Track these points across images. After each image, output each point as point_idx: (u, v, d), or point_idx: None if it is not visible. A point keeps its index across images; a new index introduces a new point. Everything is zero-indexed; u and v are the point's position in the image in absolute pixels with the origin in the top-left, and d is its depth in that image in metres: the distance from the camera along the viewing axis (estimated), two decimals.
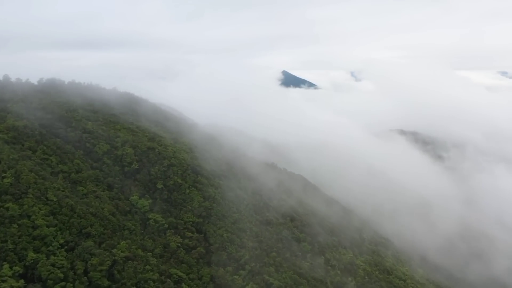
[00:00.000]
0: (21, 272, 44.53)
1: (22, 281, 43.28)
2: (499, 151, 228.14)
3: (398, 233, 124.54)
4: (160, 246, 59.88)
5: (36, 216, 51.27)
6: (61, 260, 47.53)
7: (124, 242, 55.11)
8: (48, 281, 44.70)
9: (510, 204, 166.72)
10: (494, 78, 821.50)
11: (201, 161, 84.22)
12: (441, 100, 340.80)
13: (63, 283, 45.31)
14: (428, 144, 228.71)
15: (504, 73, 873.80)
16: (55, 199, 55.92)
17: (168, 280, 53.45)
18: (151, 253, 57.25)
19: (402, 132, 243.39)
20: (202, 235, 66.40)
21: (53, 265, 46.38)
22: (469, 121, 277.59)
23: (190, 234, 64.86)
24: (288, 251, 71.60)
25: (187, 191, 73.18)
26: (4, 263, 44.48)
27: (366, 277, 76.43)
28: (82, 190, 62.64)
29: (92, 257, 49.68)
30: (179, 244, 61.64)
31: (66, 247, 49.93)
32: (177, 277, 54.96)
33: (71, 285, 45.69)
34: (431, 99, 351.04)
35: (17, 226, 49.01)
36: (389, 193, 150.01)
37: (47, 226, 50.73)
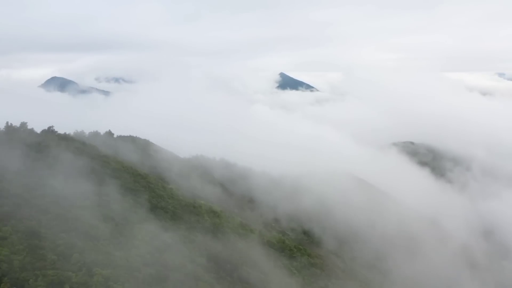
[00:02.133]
0: None
1: None
2: (505, 168, 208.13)
3: None
4: None
5: None
6: None
7: None
8: None
9: None
10: (492, 80, 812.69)
11: None
12: (437, 105, 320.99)
13: None
14: (428, 159, 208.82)
15: (501, 75, 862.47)
16: None
17: None
18: None
19: (400, 145, 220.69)
20: None
21: None
22: (468, 130, 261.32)
23: None
24: None
25: None
26: None
27: None
28: None
29: None
30: None
31: None
32: None
33: None
34: (428, 104, 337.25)
35: None
36: (402, 226, 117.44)
37: None
